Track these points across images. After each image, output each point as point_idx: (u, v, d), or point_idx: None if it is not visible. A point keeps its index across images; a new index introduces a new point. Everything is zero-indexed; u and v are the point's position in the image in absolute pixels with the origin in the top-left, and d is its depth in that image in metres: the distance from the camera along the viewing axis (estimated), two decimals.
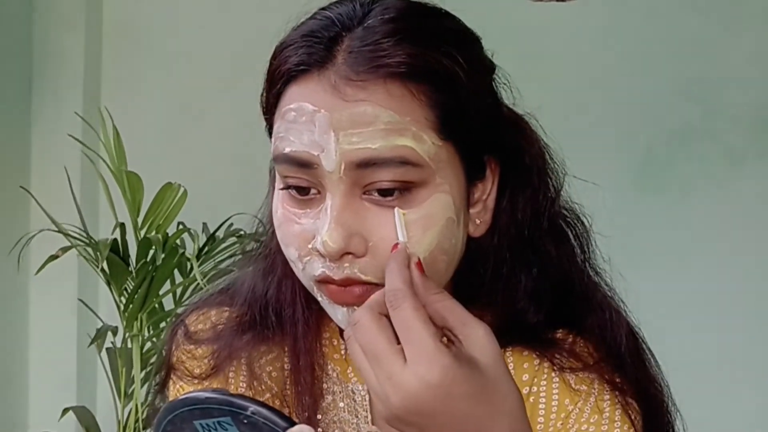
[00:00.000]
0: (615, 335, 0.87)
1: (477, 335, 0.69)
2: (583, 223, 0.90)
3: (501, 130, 0.82)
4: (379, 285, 0.74)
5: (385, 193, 0.74)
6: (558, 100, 2.27)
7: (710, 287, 2.43)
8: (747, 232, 2.43)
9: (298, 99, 0.75)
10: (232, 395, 0.70)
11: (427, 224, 0.75)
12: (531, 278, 0.86)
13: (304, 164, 0.75)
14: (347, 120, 0.72)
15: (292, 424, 0.68)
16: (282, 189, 0.78)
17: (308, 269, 0.77)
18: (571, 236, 0.89)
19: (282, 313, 0.86)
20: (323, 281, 0.77)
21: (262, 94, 0.80)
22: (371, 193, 0.74)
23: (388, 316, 0.70)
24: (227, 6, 2.78)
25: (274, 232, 0.81)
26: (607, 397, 0.85)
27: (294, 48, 0.76)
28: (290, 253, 0.78)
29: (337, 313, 0.78)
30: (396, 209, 0.74)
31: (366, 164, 0.73)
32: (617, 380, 0.86)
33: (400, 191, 0.74)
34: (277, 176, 0.79)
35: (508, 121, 0.84)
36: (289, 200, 0.77)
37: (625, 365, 0.86)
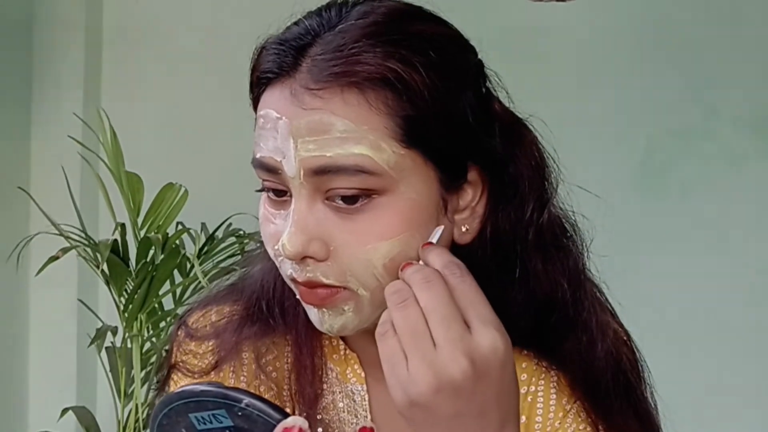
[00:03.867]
0: (593, 359, 0.85)
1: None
2: (578, 234, 0.87)
3: (484, 136, 0.80)
4: (342, 288, 0.76)
5: (348, 200, 0.74)
6: (557, 100, 2.27)
7: (710, 287, 2.43)
8: (747, 233, 2.43)
9: (266, 106, 0.76)
10: (226, 388, 0.70)
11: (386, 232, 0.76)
12: (516, 293, 0.83)
13: (270, 169, 0.76)
14: (305, 127, 0.74)
15: (286, 416, 0.68)
16: (260, 191, 0.80)
17: (282, 268, 0.79)
18: (562, 250, 0.85)
19: (285, 304, 0.87)
20: (292, 281, 0.79)
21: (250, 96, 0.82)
22: (334, 200, 0.75)
23: None
24: (227, 6, 2.78)
25: None
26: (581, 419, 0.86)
27: (266, 54, 0.78)
28: (269, 251, 0.80)
29: (310, 312, 0.80)
30: (439, 227, 0.77)
31: (322, 171, 0.74)
32: (587, 406, 0.86)
33: (363, 198, 0.74)
34: None
35: (500, 126, 0.81)
36: (268, 201, 0.79)
37: (598, 392, 0.85)
